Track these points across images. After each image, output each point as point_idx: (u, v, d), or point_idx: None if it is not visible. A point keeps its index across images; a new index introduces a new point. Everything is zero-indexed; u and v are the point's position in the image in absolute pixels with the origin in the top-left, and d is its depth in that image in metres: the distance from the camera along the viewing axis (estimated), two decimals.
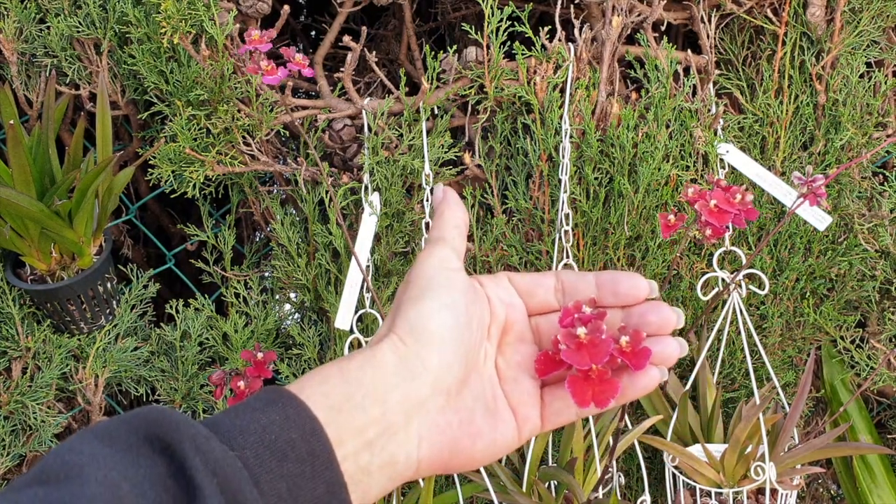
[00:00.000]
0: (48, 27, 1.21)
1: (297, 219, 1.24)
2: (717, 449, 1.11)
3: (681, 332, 1.25)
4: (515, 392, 0.55)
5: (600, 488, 1.08)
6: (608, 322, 0.53)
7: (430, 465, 0.51)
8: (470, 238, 1.22)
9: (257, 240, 1.38)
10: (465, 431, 0.52)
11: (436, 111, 1.20)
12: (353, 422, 0.48)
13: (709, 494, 1.11)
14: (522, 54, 1.15)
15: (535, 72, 1.16)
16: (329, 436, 0.47)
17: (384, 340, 0.51)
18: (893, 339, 1.27)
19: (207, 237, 1.29)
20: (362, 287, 1.14)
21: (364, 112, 1.18)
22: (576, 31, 1.16)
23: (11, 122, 1.06)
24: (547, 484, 1.09)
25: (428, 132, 1.18)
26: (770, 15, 1.21)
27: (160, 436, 0.44)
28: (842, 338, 1.26)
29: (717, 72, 1.21)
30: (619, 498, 1.11)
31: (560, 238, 1.15)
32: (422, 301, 0.52)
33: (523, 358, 0.56)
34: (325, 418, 0.47)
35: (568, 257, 1.14)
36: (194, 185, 1.19)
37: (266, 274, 1.32)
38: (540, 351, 0.56)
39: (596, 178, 1.16)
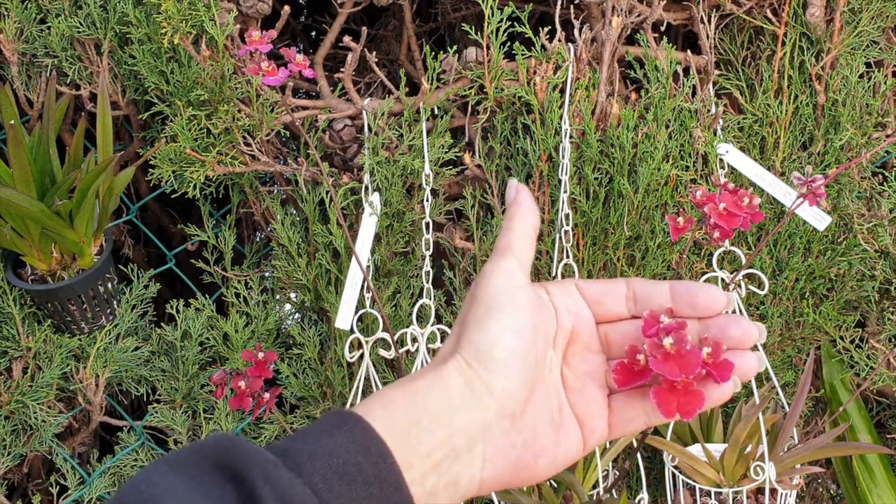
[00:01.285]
0: (49, 27, 1.22)
1: (298, 219, 1.24)
2: (716, 449, 1.11)
3: None
4: (581, 402, 0.55)
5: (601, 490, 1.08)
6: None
7: (493, 484, 0.52)
8: (470, 238, 1.22)
9: (258, 240, 1.38)
10: (529, 450, 0.52)
11: (436, 111, 1.20)
12: (421, 446, 0.48)
13: (708, 494, 1.11)
14: (522, 55, 1.15)
15: (534, 72, 1.16)
16: (397, 459, 0.47)
17: (450, 361, 0.51)
18: (893, 339, 1.27)
19: (208, 237, 1.29)
20: (363, 287, 1.14)
21: (364, 112, 1.18)
22: (575, 32, 1.16)
23: (12, 122, 1.07)
24: (548, 482, 1.09)
25: (428, 132, 1.19)
26: (770, 15, 1.21)
27: (230, 464, 0.44)
28: (841, 338, 1.26)
29: (716, 72, 1.21)
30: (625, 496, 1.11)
31: (560, 238, 1.15)
32: (487, 323, 0.52)
33: (591, 367, 0.56)
34: (392, 443, 0.48)
35: (568, 257, 1.14)
36: (195, 186, 1.19)
37: (266, 274, 1.32)
38: (608, 360, 0.55)
39: (596, 179, 1.16)
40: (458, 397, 0.50)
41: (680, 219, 0.87)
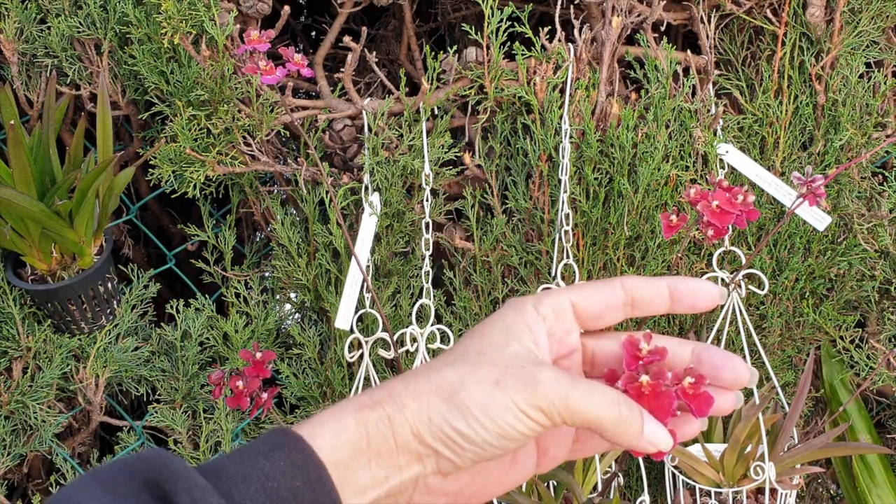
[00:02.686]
0: (49, 27, 1.22)
1: (298, 219, 1.24)
2: (716, 449, 1.11)
3: (680, 332, 1.25)
4: (550, 433, 0.52)
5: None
6: (670, 362, 0.51)
7: None
8: (470, 238, 1.22)
9: (258, 240, 1.38)
10: (474, 488, 0.51)
11: (436, 111, 1.20)
12: (358, 481, 0.47)
13: (708, 494, 1.11)
14: (522, 55, 1.15)
15: (534, 72, 1.16)
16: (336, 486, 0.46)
17: (411, 406, 0.49)
18: (893, 339, 1.27)
19: (208, 237, 1.29)
20: (362, 287, 1.14)
21: (364, 112, 1.18)
22: (575, 32, 1.16)
23: (12, 122, 1.07)
24: (546, 484, 1.09)
25: (428, 132, 1.19)
26: (770, 15, 1.21)
27: (159, 483, 0.43)
28: (841, 338, 1.26)
29: (716, 72, 1.21)
30: (619, 498, 1.11)
31: (560, 238, 1.15)
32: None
33: None
34: (332, 471, 0.46)
35: (568, 257, 1.14)
36: (195, 186, 1.19)
37: (266, 274, 1.32)
38: (592, 375, 0.53)
39: (596, 179, 1.16)
40: (403, 445, 0.48)
41: (673, 217, 0.87)
